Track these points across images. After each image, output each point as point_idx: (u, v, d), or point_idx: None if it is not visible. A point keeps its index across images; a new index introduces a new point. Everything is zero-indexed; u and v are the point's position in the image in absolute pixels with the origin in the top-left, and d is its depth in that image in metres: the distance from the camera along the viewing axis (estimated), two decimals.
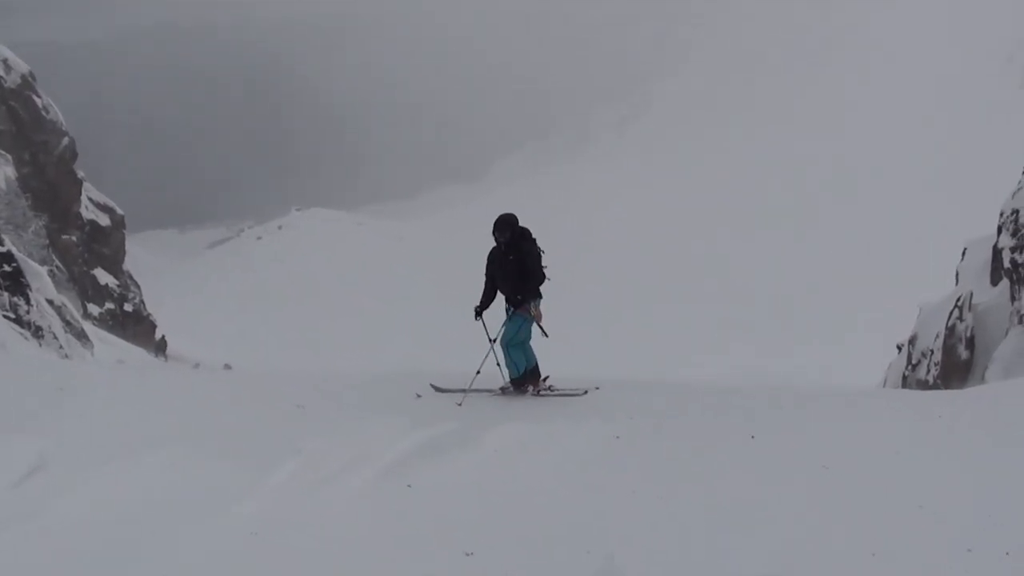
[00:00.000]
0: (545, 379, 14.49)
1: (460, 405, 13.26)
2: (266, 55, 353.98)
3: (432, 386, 14.41)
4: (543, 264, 14.09)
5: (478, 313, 14.19)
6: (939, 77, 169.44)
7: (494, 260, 14.16)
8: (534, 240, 14.10)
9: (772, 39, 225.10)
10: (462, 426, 11.65)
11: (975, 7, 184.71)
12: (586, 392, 14.21)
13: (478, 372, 14.16)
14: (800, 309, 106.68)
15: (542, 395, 14.08)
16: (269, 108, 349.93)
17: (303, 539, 7.97)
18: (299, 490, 9.21)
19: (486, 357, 14.26)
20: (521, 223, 14.16)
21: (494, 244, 14.12)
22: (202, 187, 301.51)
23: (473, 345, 14.55)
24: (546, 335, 14.10)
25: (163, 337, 63.97)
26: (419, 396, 13.84)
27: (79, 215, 60.21)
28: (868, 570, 7.39)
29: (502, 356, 14.31)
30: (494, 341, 14.38)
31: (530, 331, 14.13)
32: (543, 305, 14.19)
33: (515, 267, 13.92)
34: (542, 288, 14.11)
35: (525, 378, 14.21)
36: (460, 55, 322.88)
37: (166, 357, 61.35)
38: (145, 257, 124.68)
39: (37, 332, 36.93)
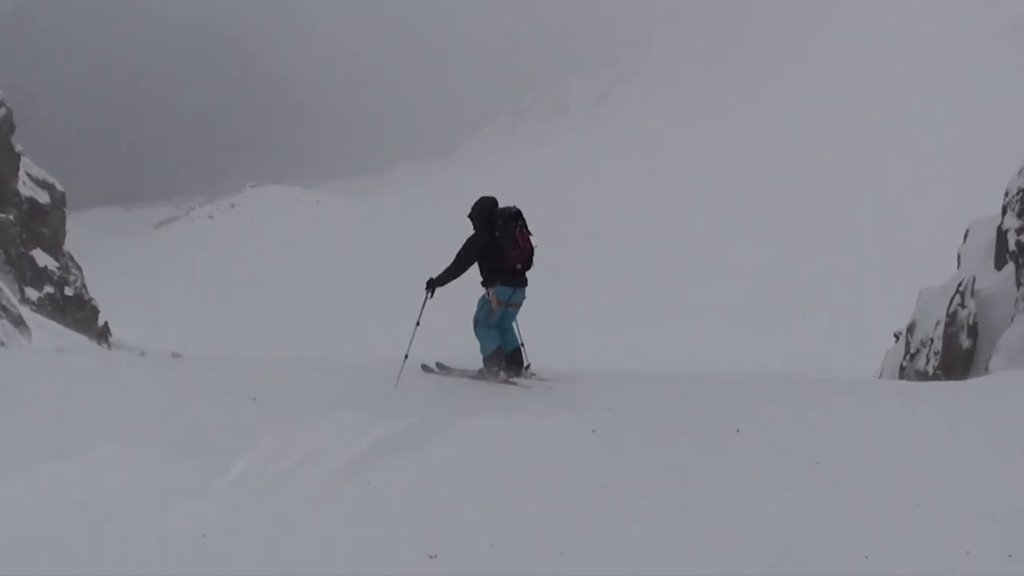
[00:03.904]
0: (527, 367, 14.52)
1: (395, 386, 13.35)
2: (220, 23, 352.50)
3: (423, 366, 14.55)
4: (516, 251, 14.02)
5: (430, 287, 14.25)
6: (939, 46, 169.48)
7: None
8: (498, 222, 14.04)
9: (760, 10, 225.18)
10: (426, 419, 11.62)
11: None
12: (558, 382, 14.20)
13: (406, 356, 14.16)
14: (800, 296, 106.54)
15: (511, 382, 14.06)
16: (221, 79, 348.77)
17: (257, 541, 7.94)
18: (253, 489, 9.19)
19: (411, 340, 14.34)
20: (501, 205, 14.27)
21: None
22: (149, 162, 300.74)
23: (440, 330, 14.53)
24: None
25: (106, 323, 63.79)
26: (395, 380, 13.94)
27: (16, 192, 59.83)
28: (861, 574, 7.41)
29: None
30: (418, 324, 14.46)
31: (497, 312, 14.20)
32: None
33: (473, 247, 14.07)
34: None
35: (491, 361, 14.26)
36: (427, 23, 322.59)
37: (109, 344, 61.20)
38: (88, 237, 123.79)
39: None
